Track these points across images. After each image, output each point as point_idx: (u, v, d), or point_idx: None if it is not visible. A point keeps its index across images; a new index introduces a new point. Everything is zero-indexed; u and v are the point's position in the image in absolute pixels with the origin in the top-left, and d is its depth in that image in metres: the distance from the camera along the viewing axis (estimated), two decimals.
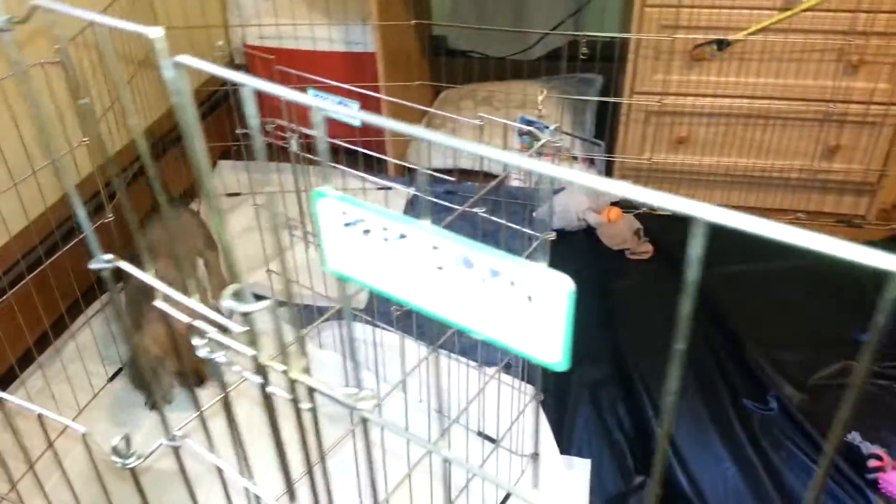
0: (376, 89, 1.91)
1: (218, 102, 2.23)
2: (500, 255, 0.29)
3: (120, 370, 1.50)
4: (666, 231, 1.89)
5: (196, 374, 1.26)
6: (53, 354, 1.48)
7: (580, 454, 1.33)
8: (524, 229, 1.15)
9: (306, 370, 0.37)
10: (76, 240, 1.39)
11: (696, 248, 0.25)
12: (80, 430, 0.56)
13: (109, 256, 0.43)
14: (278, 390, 0.40)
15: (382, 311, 1.61)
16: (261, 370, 0.38)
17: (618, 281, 1.76)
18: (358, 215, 0.31)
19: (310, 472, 0.41)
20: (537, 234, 1.09)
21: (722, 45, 1.78)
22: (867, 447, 1.24)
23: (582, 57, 1.89)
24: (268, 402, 0.40)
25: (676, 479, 1.24)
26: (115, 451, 0.53)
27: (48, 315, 1.42)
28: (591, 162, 2.16)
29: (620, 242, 1.84)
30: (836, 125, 1.84)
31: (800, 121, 1.85)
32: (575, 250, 1.87)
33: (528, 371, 1.43)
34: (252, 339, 0.37)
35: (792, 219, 1.94)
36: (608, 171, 2.11)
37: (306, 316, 1.62)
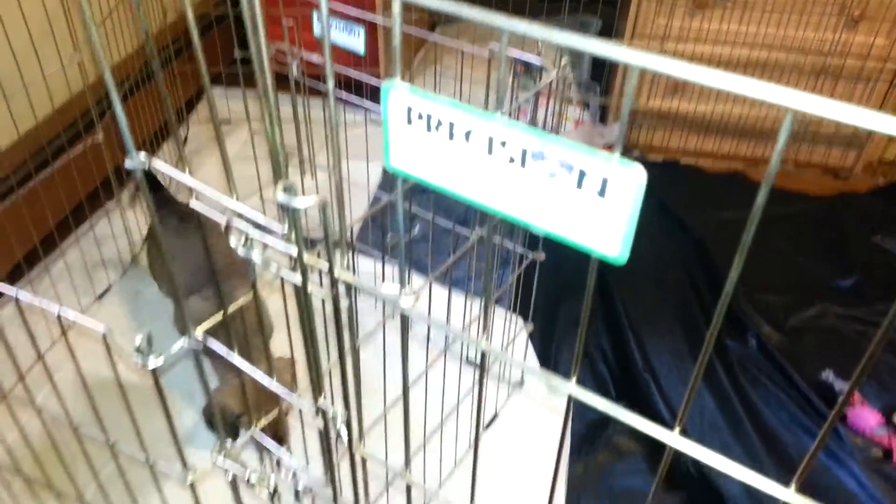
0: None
1: (209, 26, 2.17)
2: (573, 147, 0.30)
3: (108, 290, 1.51)
4: (656, 177, 1.91)
5: (274, 432, 1.11)
6: (42, 271, 1.48)
7: (566, 375, 1.37)
8: None
9: (347, 269, 0.38)
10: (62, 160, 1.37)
11: (782, 139, 0.26)
12: (99, 328, 0.57)
13: (143, 154, 0.43)
14: (317, 289, 0.41)
15: (375, 243, 1.62)
16: (302, 269, 0.39)
17: None
18: (427, 109, 0.32)
19: (342, 363, 0.43)
20: None
21: None
22: (840, 385, 1.30)
23: None
24: (305, 300, 0.41)
25: (657, 409, 1.29)
26: (138, 350, 0.55)
27: (37, 231, 1.41)
28: (586, 105, 2.15)
29: None
30: (832, 78, 1.85)
31: (797, 72, 1.86)
32: None
33: (517, 304, 1.47)
34: (297, 236, 0.38)
35: (780, 169, 1.97)
36: (603, 114, 2.11)
37: None
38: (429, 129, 0.33)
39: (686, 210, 1.78)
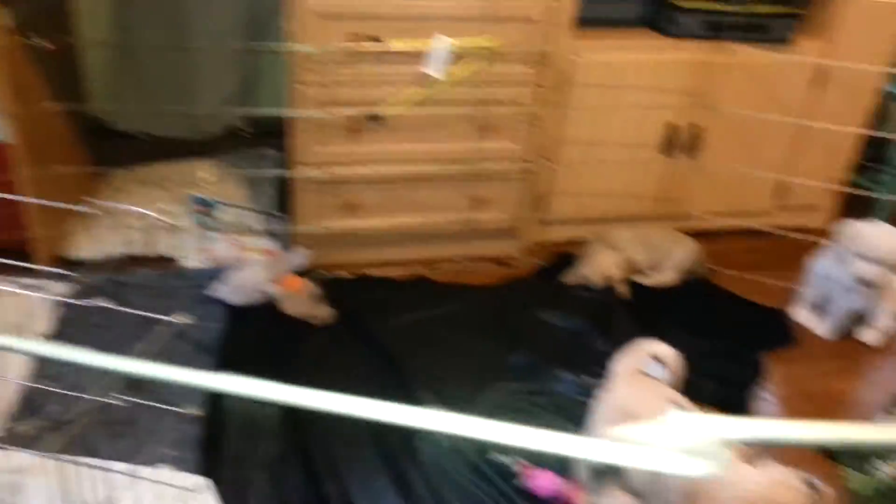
0: (10, 184, 1.74)
1: None
2: None
3: None
4: (345, 292, 1.97)
5: None
6: None
7: None
8: (154, 315, 1.12)
9: None
10: None
11: None
12: None
13: None
14: None
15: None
16: None
17: (302, 347, 1.78)
18: None
19: None
20: (169, 319, 1.07)
21: (375, 118, 1.94)
22: (510, 460, 1.39)
23: (246, 135, 1.92)
24: None
25: None
26: None
27: None
28: (272, 234, 2.18)
29: (301, 309, 1.87)
30: (480, 181, 2.09)
31: (450, 180, 2.07)
32: (255, 324, 1.85)
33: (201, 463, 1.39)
34: None
35: (456, 265, 2.15)
36: (290, 241, 2.16)
37: None
38: None
39: (374, 320, 1.85)
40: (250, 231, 2.18)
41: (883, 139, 2.39)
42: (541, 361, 1.76)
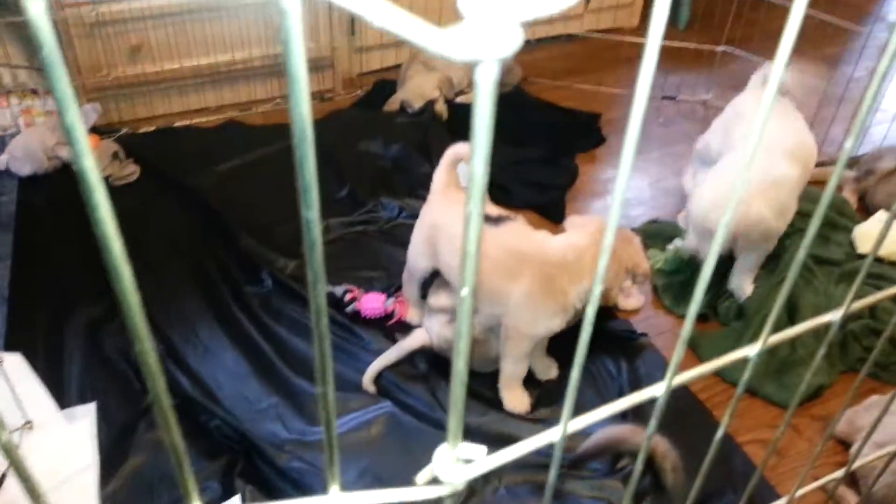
0: None
1: None
2: None
3: None
4: (147, 146, 1.83)
5: None
6: None
7: (84, 400, 1.26)
8: None
9: None
10: None
11: None
12: None
13: None
14: None
15: None
16: None
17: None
18: None
19: None
20: None
21: None
22: (340, 290, 1.41)
23: None
24: None
25: (179, 386, 1.25)
26: None
27: None
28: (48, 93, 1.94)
29: (100, 171, 1.72)
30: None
31: (244, 8, 1.89)
32: (51, 194, 1.70)
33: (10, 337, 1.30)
34: None
35: (272, 106, 2.03)
36: (78, 97, 1.93)
37: None
38: None
39: (186, 172, 1.74)
40: (29, 91, 1.92)
41: None
42: (365, 192, 1.74)
